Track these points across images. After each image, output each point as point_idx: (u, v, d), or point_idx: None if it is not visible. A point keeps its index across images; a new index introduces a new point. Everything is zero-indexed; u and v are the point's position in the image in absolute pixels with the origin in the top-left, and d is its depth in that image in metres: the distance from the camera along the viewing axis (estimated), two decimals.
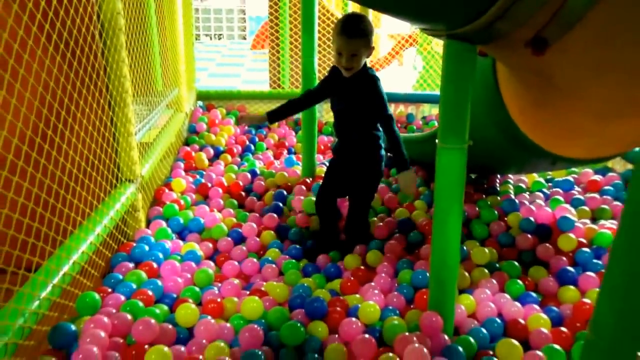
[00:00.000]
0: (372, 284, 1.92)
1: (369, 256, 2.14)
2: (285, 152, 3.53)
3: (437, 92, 4.59)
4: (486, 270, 1.99)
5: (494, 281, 1.92)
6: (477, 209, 2.44)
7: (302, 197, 2.55)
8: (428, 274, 1.89)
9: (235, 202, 2.66)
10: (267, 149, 3.58)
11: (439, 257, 1.59)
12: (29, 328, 1.30)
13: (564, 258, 2.06)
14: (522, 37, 1.27)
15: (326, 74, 2.24)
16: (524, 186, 2.76)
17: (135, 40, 2.42)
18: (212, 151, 3.32)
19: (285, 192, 2.70)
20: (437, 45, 5.75)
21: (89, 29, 1.78)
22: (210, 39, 12.81)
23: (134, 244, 2.04)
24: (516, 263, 2.05)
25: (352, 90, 2.08)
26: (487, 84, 2.08)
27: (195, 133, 3.60)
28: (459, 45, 1.40)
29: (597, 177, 2.74)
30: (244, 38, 12.93)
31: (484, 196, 2.60)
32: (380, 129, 2.13)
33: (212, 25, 12.76)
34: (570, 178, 2.79)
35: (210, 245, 2.24)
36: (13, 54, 1.27)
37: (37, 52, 1.41)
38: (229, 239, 2.26)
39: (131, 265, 1.91)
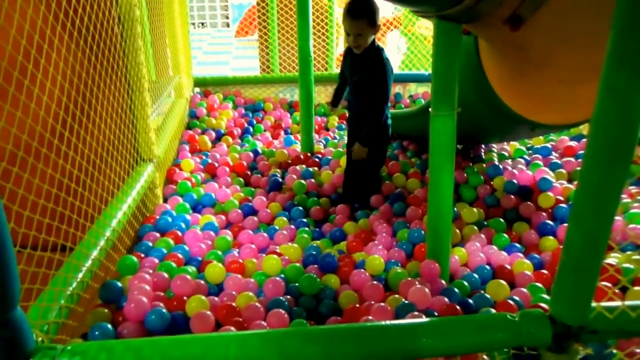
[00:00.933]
0: (375, 242, 2.15)
1: (363, 222, 2.38)
2: (282, 133, 3.73)
3: (423, 71, 4.82)
4: (475, 227, 2.23)
5: (483, 236, 2.16)
6: (465, 175, 2.68)
7: (294, 177, 2.77)
8: (423, 232, 2.12)
9: (242, 180, 2.87)
10: (265, 130, 3.77)
11: (435, 210, 1.82)
12: (85, 282, 1.50)
13: (544, 214, 2.31)
14: (501, 15, 1.49)
15: (342, 56, 2.54)
16: (506, 154, 3.01)
17: (148, 29, 2.58)
18: (213, 134, 3.50)
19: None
20: (420, 27, 5.97)
21: (108, 21, 1.95)
22: (194, 27, 12.84)
23: (157, 217, 2.24)
24: (502, 220, 2.30)
25: (361, 65, 2.38)
26: (471, 59, 2.31)
27: (196, 118, 3.78)
28: (447, 25, 1.62)
29: (573, 143, 3.00)
30: (228, 26, 12.98)
31: (470, 164, 2.84)
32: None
33: (195, 14, 12.78)
34: (548, 145, 3.04)
35: (224, 217, 2.45)
36: (44, 49, 1.45)
37: (63, 45, 1.58)
38: (240, 211, 2.47)
39: (157, 235, 2.11)
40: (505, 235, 2.17)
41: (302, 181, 2.69)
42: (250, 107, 4.13)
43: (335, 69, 5.03)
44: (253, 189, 2.76)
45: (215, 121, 3.67)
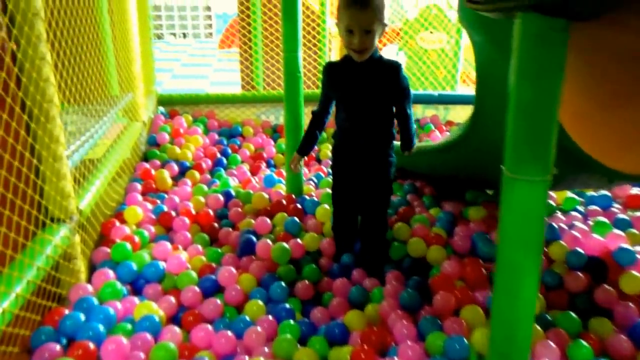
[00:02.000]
0: (396, 352, 1.43)
1: (372, 309, 1.66)
2: (263, 164, 3.02)
3: (431, 91, 4.16)
4: (538, 327, 1.52)
5: (552, 344, 1.45)
6: None
7: (268, 241, 1.99)
8: (466, 342, 1.42)
9: (206, 236, 2.13)
10: (242, 162, 3.05)
11: (504, 330, 1.12)
12: None
13: (631, 304, 1.62)
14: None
15: (323, 76, 1.89)
16: (552, 203, 2.32)
17: (70, 33, 1.86)
18: (176, 167, 2.77)
19: (268, 220, 2.18)
20: (423, 40, 5.33)
21: None
22: (175, 37, 12.12)
23: (67, 312, 1.49)
24: (573, 314, 1.59)
25: (369, 78, 1.75)
26: None
27: (155, 146, 3.04)
28: (544, 23, 0.92)
29: (637, 191, 2.32)
30: (211, 36, 12.29)
31: None
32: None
33: (176, 24, 12.06)
34: (605, 192, 2.36)
35: (174, 300, 1.71)
36: None
37: None
38: (198, 290, 1.74)
39: (58, 348, 1.35)
40: (585, 343, 1.46)
41: (285, 245, 1.94)
42: (225, 131, 3.41)
43: None
44: (220, 251, 2.03)
45: (179, 150, 2.94)
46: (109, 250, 1.89)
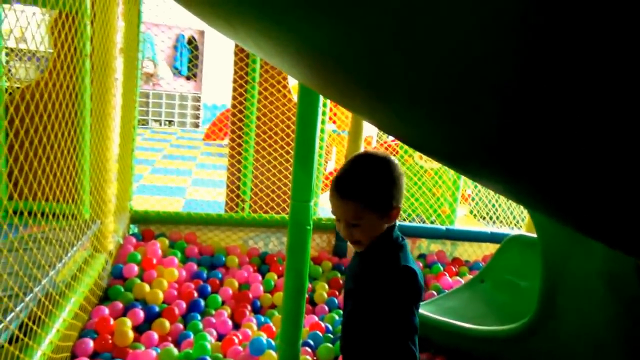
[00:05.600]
0: None
1: None
2: (248, 308, 2.53)
3: (438, 225, 3.83)
4: None
5: None
6: None
7: None
8: None
9: None
10: (223, 303, 2.56)
11: None
12: None
13: None
14: None
15: None
16: None
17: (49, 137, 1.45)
18: (142, 314, 2.25)
19: None
20: (421, 159, 5.13)
21: None
22: (160, 124, 11.93)
23: None
24: None
25: (357, 275, 1.36)
26: (621, 285, 1.25)
27: (121, 279, 2.54)
28: None
29: None
30: (197, 126, 12.15)
31: None
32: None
33: (162, 111, 11.93)
34: None
35: None
36: None
37: None
38: None
39: None
40: None
41: None
42: (206, 260, 2.93)
43: (323, 209, 3.97)
44: None
45: (149, 289, 2.44)
46: None
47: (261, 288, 2.73)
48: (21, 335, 1.45)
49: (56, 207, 1.86)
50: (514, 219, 5.05)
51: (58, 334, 1.70)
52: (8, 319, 1.40)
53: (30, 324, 1.52)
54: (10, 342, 1.39)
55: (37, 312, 1.60)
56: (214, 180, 6.50)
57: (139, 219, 3.05)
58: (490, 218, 5.22)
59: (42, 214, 1.80)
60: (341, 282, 2.98)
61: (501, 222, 5.15)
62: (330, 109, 4.97)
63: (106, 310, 2.20)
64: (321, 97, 1.88)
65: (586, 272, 1.31)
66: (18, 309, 1.46)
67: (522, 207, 5.43)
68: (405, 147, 5.06)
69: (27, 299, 1.51)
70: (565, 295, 1.41)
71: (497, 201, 5.26)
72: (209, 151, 8.86)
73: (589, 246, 1.23)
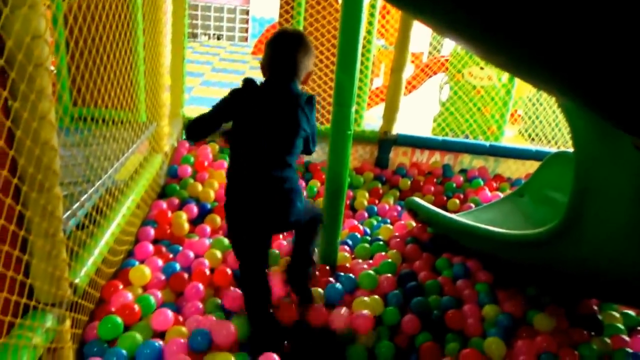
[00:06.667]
0: None
1: None
2: None
3: (482, 141, 3.81)
4: None
5: None
6: None
7: None
8: None
9: (219, 301, 1.83)
10: None
11: None
12: None
13: None
14: None
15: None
16: (632, 313, 1.95)
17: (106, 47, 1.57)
18: (195, 209, 2.46)
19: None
20: (471, 75, 4.97)
21: None
22: (209, 38, 11.93)
23: None
24: None
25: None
26: None
27: (176, 179, 2.75)
28: None
29: None
30: (245, 40, 12.08)
31: (590, 335, 1.78)
32: None
33: (211, 24, 11.88)
34: None
35: None
36: None
37: None
38: None
39: None
40: None
41: None
42: None
43: (369, 125, 4.02)
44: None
45: (201, 188, 2.64)
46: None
47: (305, 193, 2.89)
48: (96, 216, 1.66)
49: (115, 114, 2.01)
50: (564, 138, 4.91)
51: (124, 218, 1.91)
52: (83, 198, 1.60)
53: (102, 205, 1.72)
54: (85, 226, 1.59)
55: (107, 197, 1.80)
56: None
57: None
58: (540, 139, 5.10)
59: (104, 120, 1.95)
60: (381, 192, 3.09)
61: (549, 142, 5.04)
62: (380, 23, 4.81)
63: (164, 205, 2.42)
64: (365, 5, 1.87)
65: (616, 178, 1.33)
66: (88, 195, 1.66)
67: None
68: (454, 64, 4.92)
69: (97, 183, 1.70)
70: (593, 201, 1.45)
71: (547, 120, 5.11)
72: (257, 65, 8.88)
73: (620, 151, 1.25)
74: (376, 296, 1.88)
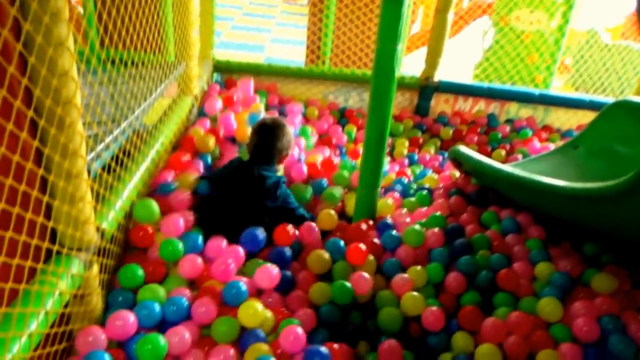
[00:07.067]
0: None
1: None
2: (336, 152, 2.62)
3: (531, 89, 3.54)
4: None
5: None
6: None
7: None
8: None
9: None
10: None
11: None
12: None
13: None
14: None
15: None
16: None
17: None
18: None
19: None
20: (518, 20, 4.60)
21: None
22: None
23: None
24: None
25: None
26: None
27: (205, 118, 2.62)
28: None
29: None
30: None
31: None
32: None
33: None
34: None
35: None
36: None
37: None
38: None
39: None
40: None
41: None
42: (285, 111, 2.95)
43: (407, 70, 3.79)
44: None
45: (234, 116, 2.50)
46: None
47: (344, 138, 2.76)
48: (123, 158, 1.56)
49: (144, 56, 1.88)
50: (620, 89, 4.56)
51: (153, 162, 1.82)
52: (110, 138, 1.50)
53: (130, 147, 1.62)
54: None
55: (135, 140, 1.70)
56: (293, 40, 6.34)
57: (221, 68, 3.06)
58: (592, 89, 4.76)
59: (132, 63, 1.82)
60: (421, 140, 2.92)
61: (602, 92, 4.69)
62: None
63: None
64: None
65: None
66: (114, 135, 1.56)
67: (628, 76, 4.88)
68: (500, 7, 4.56)
69: (124, 123, 1.59)
70: None
71: (597, 71, 4.76)
72: (289, 10, 8.54)
73: None
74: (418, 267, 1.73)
